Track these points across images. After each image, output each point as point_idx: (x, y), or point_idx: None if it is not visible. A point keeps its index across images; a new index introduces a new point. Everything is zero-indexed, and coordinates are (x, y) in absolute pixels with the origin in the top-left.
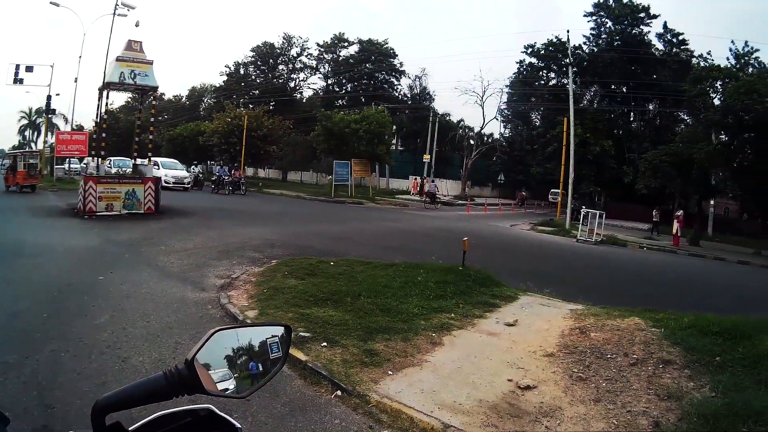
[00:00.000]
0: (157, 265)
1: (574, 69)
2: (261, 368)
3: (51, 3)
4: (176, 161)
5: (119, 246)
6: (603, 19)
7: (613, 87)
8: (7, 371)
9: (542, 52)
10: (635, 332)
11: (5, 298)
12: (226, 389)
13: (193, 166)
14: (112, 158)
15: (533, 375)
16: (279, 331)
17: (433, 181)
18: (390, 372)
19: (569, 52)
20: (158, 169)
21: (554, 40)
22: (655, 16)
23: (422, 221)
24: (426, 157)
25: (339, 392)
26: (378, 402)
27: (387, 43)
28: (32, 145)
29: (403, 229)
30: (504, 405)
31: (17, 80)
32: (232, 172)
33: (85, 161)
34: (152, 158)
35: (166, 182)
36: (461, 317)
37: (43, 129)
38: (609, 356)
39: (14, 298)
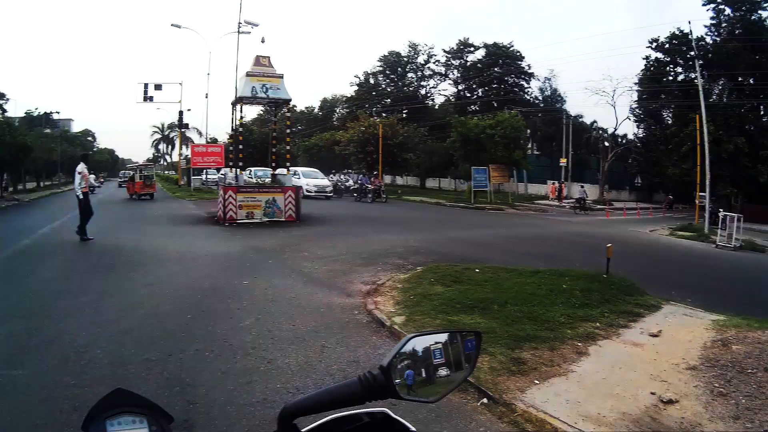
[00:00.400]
0: (301, 271)
1: (700, 62)
2: (424, 374)
3: (172, 26)
4: (316, 170)
5: (262, 252)
6: (721, 6)
7: (740, 79)
8: (150, 368)
9: (666, 46)
10: None
11: (150, 300)
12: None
13: (331, 175)
14: (252, 168)
15: (676, 389)
16: (443, 337)
17: (582, 187)
18: (536, 381)
19: (693, 44)
20: (299, 178)
21: (676, 32)
22: None
23: (563, 227)
24: (563, 161)
25: (485, 400)
26: (524, 411)
27: (512, 46)
28: (166, 157)
29: (544, 235)
30: (646, 419)
31: (147, 98)
32: (372, 180)
33: (222, 172)
34: (292, 168)
35: (307, 191)
36: (606, 327)
37: (177, 142)
38: (749, 371)
39: (159, 300)
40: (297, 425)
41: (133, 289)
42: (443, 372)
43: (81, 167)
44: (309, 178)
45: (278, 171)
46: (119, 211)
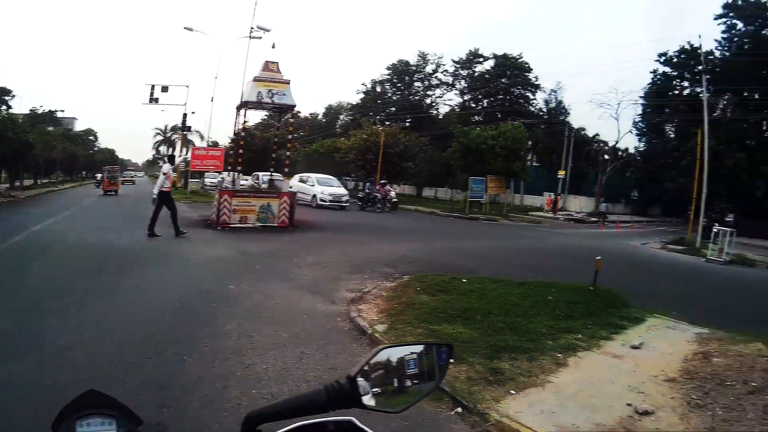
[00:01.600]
0: (288, 277)
1: (707, 76)
2: (396, 384)
3: (185, 29)
4: (331, 177)
5: (251, 257)
6: (733, 21)
7: (745, 94)
8: (127, 370)
9: (675, 60)
10: (757, 359)
11: (133, 303)
12: (374, 405)
13: None
14: (259, 173)
15: (652, 400)
16: (417, 349)
17: (603, 202)
18: (512, 391)
19: (702, 58)
20: (312, 185)
21: (686, 46)
22: None
23: (555, 239)
24: (561, 173)
25: (459, 409)
26: (497, 421)
27: (522, 57)
28: (165, 159)
29: (536, 247)
30: (620, 430)
31: (153, 100)
32: (379, 188)
33: (222, 175)
34: (305, 174)
35: (321, 200)
36: (588, 338)
37: (178, 145)
38: (728, 383)
39: (142, 303)
40: None
41: (119, 290)
42: (414, 382)
43: (166, 168)
44: (323, 186)
45: (306, 177)
46: (111, 211)
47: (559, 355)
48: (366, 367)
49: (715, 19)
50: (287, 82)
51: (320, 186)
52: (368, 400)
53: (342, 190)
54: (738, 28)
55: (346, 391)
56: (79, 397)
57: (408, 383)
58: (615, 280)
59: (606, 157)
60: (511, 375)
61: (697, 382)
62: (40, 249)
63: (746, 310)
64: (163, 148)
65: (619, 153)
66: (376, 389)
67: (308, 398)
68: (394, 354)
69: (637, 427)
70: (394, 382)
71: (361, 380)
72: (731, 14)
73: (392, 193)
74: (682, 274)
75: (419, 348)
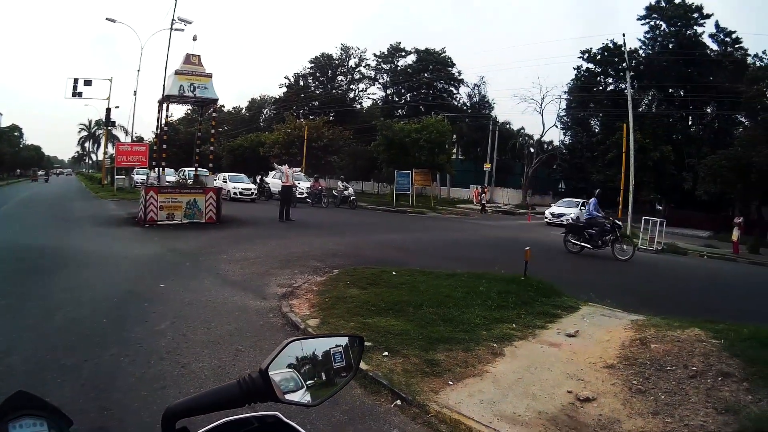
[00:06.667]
0: (218, 274)
1: (632, 73)
2: (324, 378)
3: (107, 19)
4: (242, 175)
5: (180, 255)
6: (656, 22)
7: (670, 90)
8: (65, 374)
9: (598, 57)
10: (695, 344)
11: (65, 304)
12: (293, 398)
13: (259, 177)
14: (185, 169)
15: (593, 387)
16: (344, 341)
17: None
18: (450, 382)
19: (626, 56)
20: (225, 182)
21: (610, 44)
22: (708, 16)
23: (483, 230)
24: (486, 166)
25: (399, 402)
26: (437, 412)
27: (444, 52)
28: (92, 156)
29: (465, 239)
30: (563, 417)
31: (76, 94)
32: (313, 184)
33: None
34: (221, 174)
35: (234, 194)
36: (523, 328)
37: (102, 141)
38: (668, 368)
39: (74, 304)
40: (188, 429)
41: (52, 293)
42: (340, 376)
43: (285, 168)
44: (235, 183)
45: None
46: (39, 211)
47: (494, 345)
48: (276, 360)
49: (639, 19)
50: (209, 76)
51: (232, 183)
52: (295, 395)
53: (251, 186)
54: (662, 28)
55: (258, 385)
56: (8, 398)
57: (334, 376)
58: (546, 269)
59: (532, 150)
60: (448, 366)
61: (637, 368)
62: None
63: (681, 298)
64: (88, 144)
65: (545, 146)
66: (309, 382)
67: (223, 392)
68: (310, 347)
69: (580, 414)
70: (322, 376)
71: (277, 373)
72: (654, 15)
73: (350, 190)
74: (614, 263)
75: (335, 341)
